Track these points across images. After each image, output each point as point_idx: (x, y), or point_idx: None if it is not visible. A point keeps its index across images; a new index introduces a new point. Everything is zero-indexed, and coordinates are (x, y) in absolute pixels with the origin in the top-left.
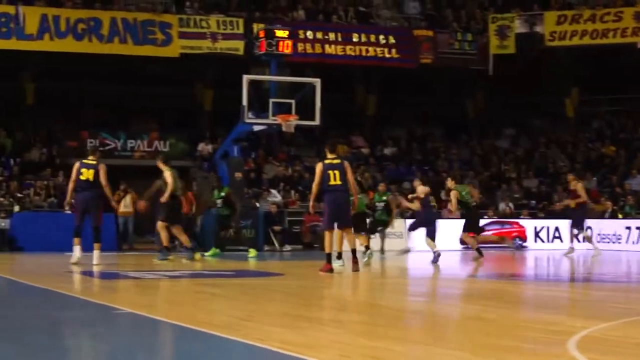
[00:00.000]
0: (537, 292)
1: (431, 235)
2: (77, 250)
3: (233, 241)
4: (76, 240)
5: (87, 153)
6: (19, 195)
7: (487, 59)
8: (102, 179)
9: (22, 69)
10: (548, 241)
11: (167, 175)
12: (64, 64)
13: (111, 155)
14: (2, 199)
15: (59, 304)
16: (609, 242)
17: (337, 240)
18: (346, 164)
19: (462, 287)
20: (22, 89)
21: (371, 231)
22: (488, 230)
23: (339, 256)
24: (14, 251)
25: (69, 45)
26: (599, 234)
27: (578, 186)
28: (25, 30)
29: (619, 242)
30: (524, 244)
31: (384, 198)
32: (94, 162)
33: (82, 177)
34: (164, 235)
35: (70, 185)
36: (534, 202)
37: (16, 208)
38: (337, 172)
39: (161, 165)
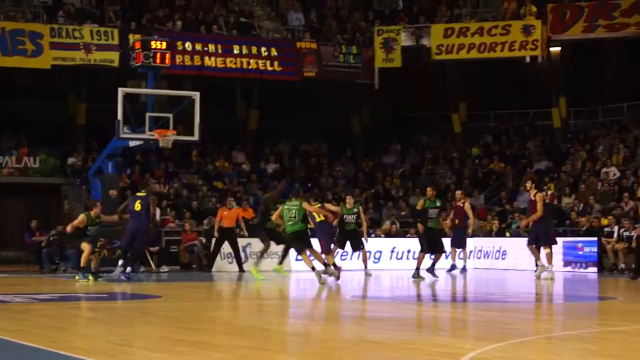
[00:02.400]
0: (423, 313)
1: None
2: None
3: (108, 262)
4: None
5: None
6: None
7: (373, 72)
8: None
9: None
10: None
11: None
12: None
13: None
14: None
15: None
16: (496, 260)
17: None
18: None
19: (345, 308)
20: None
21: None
22: None
23: None
24: None
25: None
26: (480, 251)
27: (466, 204)
28: None
29: (503, 260)
30: None
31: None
32: None
33: None
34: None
35: None
36: None
37: None
38: None
39: None
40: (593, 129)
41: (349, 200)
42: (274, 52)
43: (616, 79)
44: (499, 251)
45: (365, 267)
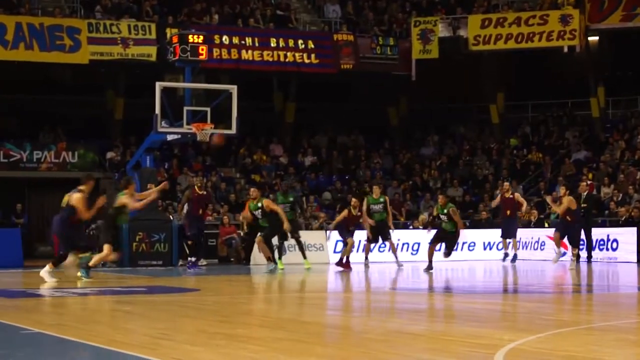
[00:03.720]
0: (461, 305)
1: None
2: None
3: (146, 255)
4: None
5: None
6: None
7: (410, 64)
8: None
9: None
10: (470, 251)
11: None
12: None
13: (16, 167)
14: None
15: None
16: (535, 250)
17: None
18: None
19: (383, 300)
20: None
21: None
22: None
23: None
24: None
25: None
26: (518, 242)
27: (516, 194)
28: None
29: (542, 251)
30: None
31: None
32: None
33: None
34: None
35: None
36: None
37: None
38: None
39: None
40: (632, 118)
41: (376, 190)
42: (310, 45)
43: None
44: (537, 242)
45: (396, 258)
